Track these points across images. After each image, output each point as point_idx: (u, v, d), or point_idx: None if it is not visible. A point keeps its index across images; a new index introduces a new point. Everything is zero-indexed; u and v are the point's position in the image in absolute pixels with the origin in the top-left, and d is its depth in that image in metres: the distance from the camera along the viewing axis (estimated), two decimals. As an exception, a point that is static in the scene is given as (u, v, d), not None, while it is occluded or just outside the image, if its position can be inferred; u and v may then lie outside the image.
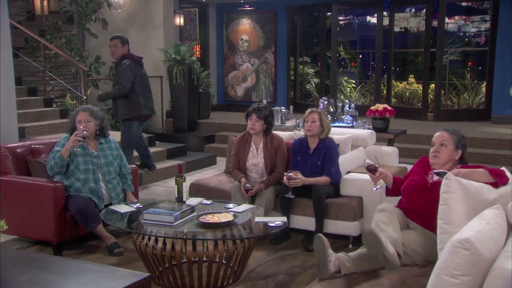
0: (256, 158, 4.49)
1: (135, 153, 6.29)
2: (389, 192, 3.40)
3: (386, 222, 2.91)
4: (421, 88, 9.89)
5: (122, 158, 4.39)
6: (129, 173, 4.40)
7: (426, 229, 3.01)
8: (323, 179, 4.25)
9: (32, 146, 4.46)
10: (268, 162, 4.45)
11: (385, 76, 10.14)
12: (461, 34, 10.91)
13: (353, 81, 11.74)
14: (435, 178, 3.11)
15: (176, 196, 3.66)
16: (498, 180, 2.77)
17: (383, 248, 2.66)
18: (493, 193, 2.67)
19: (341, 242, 4.22)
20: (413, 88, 10.72)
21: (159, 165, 6.89)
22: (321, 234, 2.92)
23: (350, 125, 5.70)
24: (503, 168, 2.89)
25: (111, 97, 5.95)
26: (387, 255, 2.66)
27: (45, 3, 9.93)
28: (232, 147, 4.85)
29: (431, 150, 3.15)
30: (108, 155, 4.24)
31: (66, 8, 8.01)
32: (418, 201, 3.09)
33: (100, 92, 5.94)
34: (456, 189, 2.53)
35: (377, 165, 3.20)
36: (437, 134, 3.16)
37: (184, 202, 3.65)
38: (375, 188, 3.31)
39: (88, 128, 4.10)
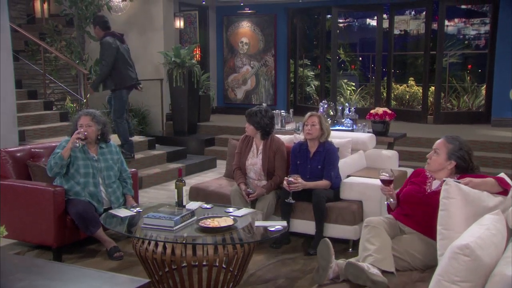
0: (255, 158, 4.51)
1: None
2: (390, 210, 3.38)
3: (370, 240, 2.89)
4: (421, 90, 9.90)
5: (123, 162, 4.39)
6: (129, 177, 4.40)
7: (424, 235, 3.00)
8: (323, 183, 4.25)
9: (32, 150, 4.46)
10: (266, 164, 4.45)
11: (385, 78, 10.14)
12: (461, 36, 10.91)
13: (353, 84, 11.74)
14: (433, 187, 3.10)
15: (176, 200, 3.66)
16: (508, 189, 2.76)
17: (367, 274, 2.66)
18: (493, 200, 2.66)
19: (341, 246, 4.21)
20: (413, 90, 10.73)
21: (159, 169, 6.90)
22: (327, 239, 2.92)
23: (350, 128, 5.71)
24: (502, 174, 2.89)
25: (101, 78, 6.30)
26: (373, 278, 2.66)
27: (45, 6, 9.95)
28: (232, 149, 4.89)
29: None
30: (109, 159, 4.24)
31: (66, 11, 8.01)
32: (417, 209, 3.06)
33: (90, 82, 6.40)
34: (456, 194, 2.53)
35: (392, 178, 3.17)
36: (438, 140, 3.15)
37: (184, 206, 3.64)
38: (386, 202, 3.30)
39: (88, 133, 4.11)
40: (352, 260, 2.84)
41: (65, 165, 4.04)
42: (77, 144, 4.00)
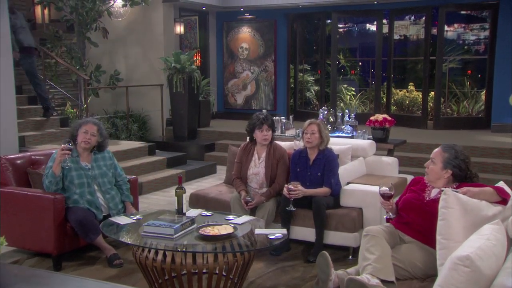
0: (257, 167, 4.50)
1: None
2: (389, 219, 3.38)
3: (370, 249, 2.89)
4: (420, 96, 9.91)
5: (117, 167, 4.39)
6: (125, 183, 4.39)
7: (424, 243, 2.99)
8: (323, 190, 4.25)
9: (32, 157, 4.46)
10: (269, 172, 4.45)
11: (385, 83, 10.15)
12: (461, 42, 10.92)
13: (353, 89, 11.75)
14: (432, 195, 3.10)
15: (176, 208, 3.66)
16: (507, 198, 2.75)
17: (368, 287, 2.66)
18: (492, 209, 2.67)
19: (341, 253, 4.21)
20: (412, 96, 10.73)
21: (159, 174, 6.90)
22: (325, 252, 2.92)
23: (350, 135, 5.71)
24: (501, 183, 2.89)
25: None
26: None
27: (46, 12, 9.96)
28: (232, 156, 4.88)
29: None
30: (102, 165, 4.25)
31: (67, 17, 8.04)
32: (417, 217, 3.07)
33: None
34: (455, 204, 2.53)
35: (392, 192, 3.16)
36: (436, 148, 3.15)
37: (184, 213, 3.64)
38: (386, 216, 3.29)
39: (90, 142, 4.13)
40: (352, 272, 2.84)
41: (60, 179, 4.04)
42: (67, 165, 3.96)
